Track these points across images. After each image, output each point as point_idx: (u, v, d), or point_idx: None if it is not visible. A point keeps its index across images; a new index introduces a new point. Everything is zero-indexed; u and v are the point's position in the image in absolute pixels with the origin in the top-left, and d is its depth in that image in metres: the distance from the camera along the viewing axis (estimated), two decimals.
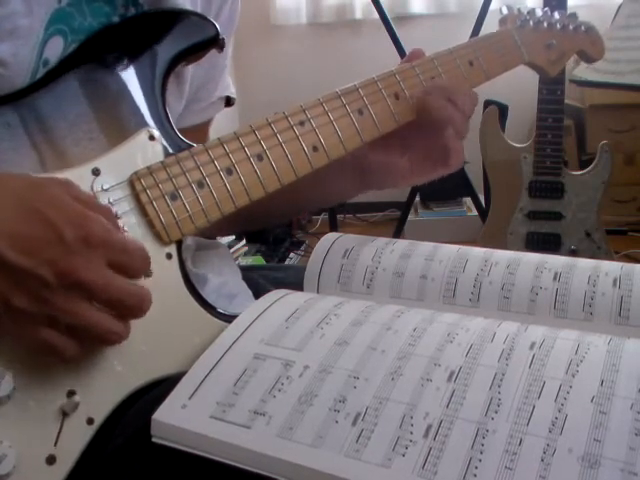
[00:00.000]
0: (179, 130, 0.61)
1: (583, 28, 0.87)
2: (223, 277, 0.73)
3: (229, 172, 0.59)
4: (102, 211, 0.50)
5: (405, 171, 0.73)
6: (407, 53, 0.75)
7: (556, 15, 0.85)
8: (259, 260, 2.31)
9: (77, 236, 0.46)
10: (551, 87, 1.83)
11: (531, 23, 0.82)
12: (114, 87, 0.60)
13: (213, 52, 0.65)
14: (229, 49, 0.79)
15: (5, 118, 0.55)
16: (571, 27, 0.86)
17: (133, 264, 0.50)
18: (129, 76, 0.60)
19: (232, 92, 0.81)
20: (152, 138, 0.58)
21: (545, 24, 0.83)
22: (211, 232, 0.78)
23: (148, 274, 0.54)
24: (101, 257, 0.47)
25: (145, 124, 0.59)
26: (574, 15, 0.87)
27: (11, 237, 0.45)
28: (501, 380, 0.46)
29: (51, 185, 0.49)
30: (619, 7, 1.82)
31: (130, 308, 0.49)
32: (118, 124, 0.59)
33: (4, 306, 0.46)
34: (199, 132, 0.75)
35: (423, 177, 0.73)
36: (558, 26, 0.85)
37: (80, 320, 0.47)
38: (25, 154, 0.55)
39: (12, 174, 0.50)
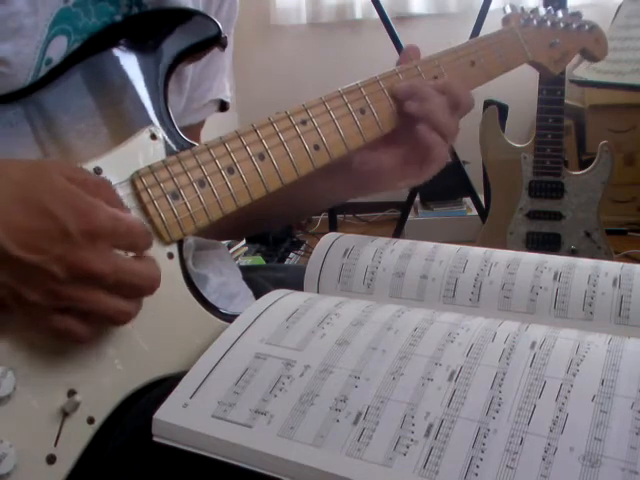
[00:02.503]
0: None
1: (587, 27, 0.87)
2: (224, 277, 0.73)
3: (230, 171, 0.59)
4: (102, 190, 0.49)
5: (394, 169, 0.70)
6: None
7: (559, 14, 0.85)
8: (259, 260, 2.31)
9: (82, 230, 0.46)
10: (551, 87, 1.83)
11: (534, 22, 0.82)
12: (117, 84, 0.60)
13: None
14: (228, 51, 0.79)
15: (7, 117, 0.55)
16: (574, 26, 0.85)
17: (138, 243, 0.50)
18: (131, 74, 0.60)
19: (227, 96, 0.79)
20: (154, 137, 0.58)
21: (548, 23, 0.83)
22: (211, 236, 0.78)
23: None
24: (107, 244, 0.47)
25: (147, 122, 0.59)
26: (578, 14, 0.86)
27: (13, 230, 0.45)
28: (502, 379, 0.46)
29: (50, 170, 0.48)
30: (619, 7, 1.82)
31: (140, 289, 0.50)
32: (121, 121, 0.59)
33: (16, 301, 0.46)
34: (191, 133, 0.74)
35: (414, 175, 0.70)
36: (561, 25, 0.84)
37: (91, 306, 0.47)
38: (29, 150, 0.55)
39: (10, 160, 0.49)
